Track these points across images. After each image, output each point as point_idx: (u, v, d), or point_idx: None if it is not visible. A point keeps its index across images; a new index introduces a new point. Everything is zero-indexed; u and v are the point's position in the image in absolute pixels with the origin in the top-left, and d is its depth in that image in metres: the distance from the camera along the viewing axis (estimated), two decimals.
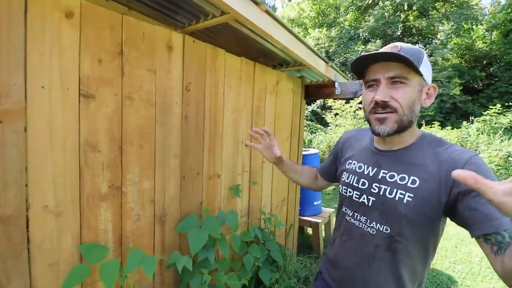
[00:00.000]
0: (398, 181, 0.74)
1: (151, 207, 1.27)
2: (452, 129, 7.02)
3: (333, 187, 6.09)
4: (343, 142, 1.03)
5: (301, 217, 3.17)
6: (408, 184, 0.72)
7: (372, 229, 0.79)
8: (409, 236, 0.73)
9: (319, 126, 8.29)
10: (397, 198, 0.73)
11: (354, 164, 0.89)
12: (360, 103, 6.93)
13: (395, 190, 0.74)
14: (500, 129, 6.16)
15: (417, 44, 9.97)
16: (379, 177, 0.79)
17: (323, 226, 3.38)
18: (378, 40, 8.98)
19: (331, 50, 9.65)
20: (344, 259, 0.87)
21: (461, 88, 8.60)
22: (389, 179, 0.76)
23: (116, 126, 1.12)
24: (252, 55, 2.04)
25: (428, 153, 0.73)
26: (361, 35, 9.72)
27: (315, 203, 3.27)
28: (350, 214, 0.86)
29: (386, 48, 0.75)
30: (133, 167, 1.19)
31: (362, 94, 0.82)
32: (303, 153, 3.23)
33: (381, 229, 0.77)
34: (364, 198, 0.82)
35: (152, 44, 1.24)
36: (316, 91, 2.55)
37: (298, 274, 2.53)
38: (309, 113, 8.75)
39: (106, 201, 1.11)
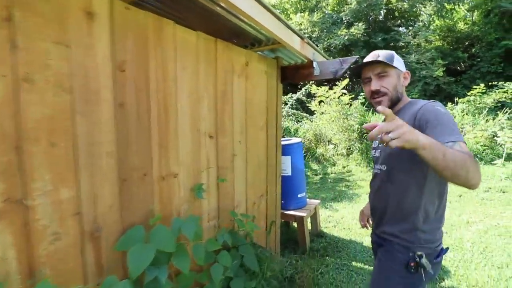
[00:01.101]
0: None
1: (75, 221, 0.99)
2: None
3: (320, 176, 5.93)
4: None
5: (285, 211, 2.96)
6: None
7: (379, 170, 1.18)
8: (400, 167, 1.08)
9: (304, 114, 8.08)
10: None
11: None
12: (344, 88, 6.78)
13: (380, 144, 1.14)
14: (485, 109, 6.13)
15: (400, 27, 9.85)
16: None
17: (309, 220, 3.19)
18: (360, 24, 8.75)
19: (314, 35, 9.34)
20: (371, 197, 1.29)
21: (444, 69, 8.55)
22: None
23: (8, 119, 0.83)
24: (225, 36, 1.75)
25: (408, 111, 1.05)
26: (344, 19, 9.47)
27: (299, 195, 3.05)
28: (374, 167, 1.24)
29: (371, 57, 1.15)
30: (41, 172, 0.90)
31: (364, 88, 1.19)
32: (285, 142, 2.99)
33: (382, 168, 1.15)
34: (376, 153, 1.22)
35: (62, 9, 0.94)
36: (293, 73, 2.28)
37: (282, 274, 2.33)
38: (294, 101, 8.51)
39: (0, 221, 0.82)
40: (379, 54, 1.12)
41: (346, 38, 8.51)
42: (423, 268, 0.98)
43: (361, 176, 5.65)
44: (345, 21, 9.51)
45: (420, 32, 8.98)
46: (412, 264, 1.00)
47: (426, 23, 10.10)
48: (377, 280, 1.14)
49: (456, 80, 9.38)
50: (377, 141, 1.22)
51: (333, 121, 6.64)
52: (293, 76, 2.28)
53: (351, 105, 6.94)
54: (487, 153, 5.12)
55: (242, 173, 1.92)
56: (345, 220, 3.64)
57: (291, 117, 8.11)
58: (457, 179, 0.78)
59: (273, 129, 2.28)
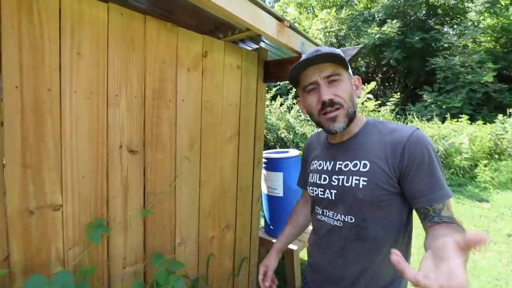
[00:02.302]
0: (352, 168, 0.77)
1: None
2: (484, 123, 5.86)
3: None
4: (307, 147, 1.03)
5: (273, 240, 2.42)
6: (361, 169, 0.74)
7: (339, 222, 0.80)
8: (373, 220, 0.74)
9: None
10: (353, 185, 0.75)
11: (315, 163, 0.90)
12: (370, 92, 5.97)
13: (350, 177, 0.76)
14: None
15: (444, 26, 8.66)
16: (336, 168, 0.81)
17: (304, 250, 2.61)
18: (395, 21, 7.78)
19: (341, 34, 8.53)
20: (320, 259, 0.87)
21: (495, 74, 7.29)
22: (344, 169, 0.79)
23: None
24: (186, 20, 1.30)
25: (373, 137, 0.77)
26: (376, 16, 8.53)
27: None
28: (320, 212, 0.87)
29: (310, 53, 0.77)
30: None
31: (304, 100, 0.83)
32: (277, 155, 2.45)
33: (346, 220, 0.78)
34: (328, 193, 0.83)
35: None
36: (277, 69, 1.75)
37: None
38: None
39: None
40: (320, 50, 0.76)
41: (377, 36, 7.59)
42: None
43: None
44: (378, 18, 8.58)
45: (467, 31, 7.78)
46: None
47: (474, 21, 8.79)
48: None
49: (509, 87, 8.00)
50: (322, 172, 0.84)
51: None
52: (278, 73, 1.75)
53: (378, 112, 6.12)
54: None
55: (191, 199, 1.44)
56: None
57: (309, 122, 7.44)
58: None
59: (248, 141, 1.77)
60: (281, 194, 2.43)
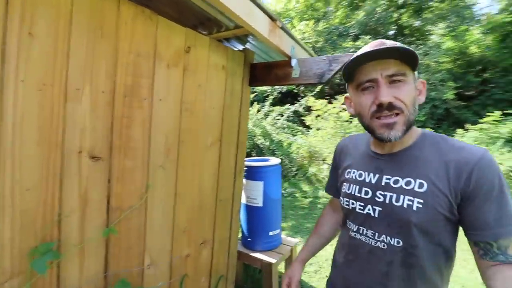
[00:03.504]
0: (404, 186, 0.67)
1: None
2: None
3: (310, 199, 5.24)
4: (339, 152, 0.92)
5: (250, 253, 2.27)
6: (416, 189, 0.65)
7: (382, 243, 0.70)
8: (424, 247, 0.65)
9: (300, 128, 7.43)
10: (405, 206, 0.65)
11: (354, 172, 0.79)
12: (344, 103, 6.14)
13: (401, 196, 0.66)
14: (499, 140, 5.46)
15: (411, 45, 9.31)
16: (383, 183, 0.71)
17: (280, 266, 2.50)
18: (368, 37, 8.21)
19: (318, 45, 8.77)
20: (357, 279, 0.75)
21: (455, 92, 7.94)
22: (393, 185, 0.69)
23: None
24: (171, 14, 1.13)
25: (432, 153, 0.67)
26: (350, 31, 8.93)
27: (271, 233, 2.36)
28: (355, 229, 0.76)
29: (375, 45, 0.65)
30: None
31: (355, 99, 0.72)
32: (258, 164, 2.32)
33: (392, 243, 0.68)
34: (369, 209, 0.72)
35: None
36: (264, 73, 1.64)
37: None
38: (291, 113, 7.93)
39: None
40: (387, 43, 0.64)
41: (351, 51, 7.92)
42: None
43: None
44: (352, 34, 8.98)
45: (430, 52, 8.43)
46: None
47: (437, 43, 9.56)
48: None
49: (466, 105, 8.76)
50: (363, 185, 0.75)
51: (329, 138, 5.98)
52: (264, 76, 1.64)
53: (351, 122, 6.30)
54: None
55: (164, 214, 1.25)
56: (330, 265, 2.92)
57: (286, 130, 7.46)
58: None
59: (231, 148, 1.63)
60: (260, 204, 2.30)
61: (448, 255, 0.68)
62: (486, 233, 0.59)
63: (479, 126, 6.03)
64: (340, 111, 5.94)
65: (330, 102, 6.15)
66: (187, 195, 1.36)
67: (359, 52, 0.66)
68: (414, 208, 0.64)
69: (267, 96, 8.72)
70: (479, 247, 0.61)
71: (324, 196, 5.45)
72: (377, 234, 0.70)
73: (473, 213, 0.60)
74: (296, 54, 1.52)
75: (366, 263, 0.72)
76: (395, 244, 0.67)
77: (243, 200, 2.39)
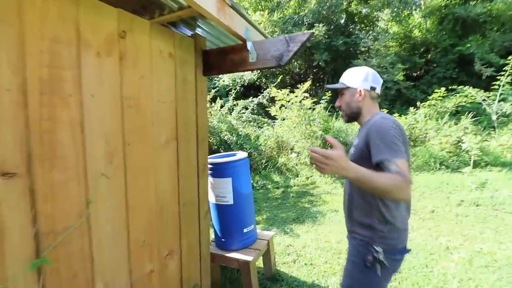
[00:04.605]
0: (354, 143, 1.20)
1: None
2: (400, 116, 6.73)
3: (282, 189, 5.25)
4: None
5: (225, 254, 2.15)
6: (354, 143, 1.18)
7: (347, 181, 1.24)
8: None
9: (266, 120, 7.38)
10: (352, 152, 1.18)
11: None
12: (306, 91, 6.24)
13: (351, 148, 1.21)
14: (446, 114, 5.97)
15: (362, 31, 9.76)
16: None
17: (260, 259, 2.42)
18: (321, 25, 8.40)
19: (274, 35, 8.75)
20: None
21: (404, 74, 8.52)
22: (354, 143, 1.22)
23: None
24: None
25: (365, 128, 1.12)
26: (304, 20, 9.07)
27: (245, 230, 2.25)
28: None
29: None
30: None
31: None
32: (224, 160, 2.18)
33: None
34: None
35: None
36: (219, 59, 1.50)
37: None
38: (255, 105, 7.83)
39: None
40: (343, 76, 1.24)
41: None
42: (380, 263, 1.04)
43: (326, 189, 5.05)
44: (306, 22, 9.12)
45: (379, 37, 8.91)
46: (369, 258, 1.06)
47: (384, 29, 10.14)
48: (344, 273, 1.20)
49: (414, 85, 9.47)
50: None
51: (295, 127, 6.02)
52: (220, 64, 1.49)
53: (313, 109, 6.41)
54: (453, 160, 4.85)
55: (115, 229, 1.07)
56: (308, 251, 2.93)
57: (252, 123, 7.36)
58: (387, 199, 1.04)
59: (190, 145, 1.47)
60: (231, 202, 2.18)
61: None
62: (373, 158, 1.00)
63: (427, 103, 6.54)
64: (303, 99, 6.00)
65: (292, 91, 6.17)
66: (142, 204, 1.18)
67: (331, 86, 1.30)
68: (352, 152, 1.18)
69: (230, 90, 8.54)
70: (380, 166, 0.98)
71: (295, 185, 5.51)
72: None
73: (371, 151, 1.02)
74: (251, 36, 1.40)
75: (345, 194, 1.26)
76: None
77: (212, 199, 2.24)
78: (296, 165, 6.16)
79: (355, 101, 1.17)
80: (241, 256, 2.11)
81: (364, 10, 10.81)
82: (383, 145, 0.97)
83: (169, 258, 1.35)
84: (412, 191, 4.34)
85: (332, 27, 9.43)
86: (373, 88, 1.17)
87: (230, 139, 6.26)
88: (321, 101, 6.76)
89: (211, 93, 7.49)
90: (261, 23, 8.39)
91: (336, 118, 7.33)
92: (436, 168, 4.98)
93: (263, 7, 10.14)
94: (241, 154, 2.35)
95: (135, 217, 1.15)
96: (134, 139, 1.14)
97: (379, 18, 10.17)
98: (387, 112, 7.83)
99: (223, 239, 2.24)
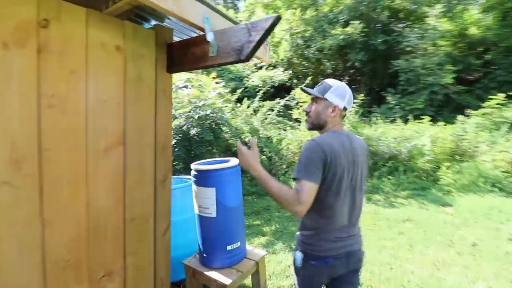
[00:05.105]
0: None
1: None
2: (445, 125, 5.86)
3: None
4: None
5: (205, 272, 1.93)
6: None
7: None
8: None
9: (290, 123, 7.03)
10: None
11: None
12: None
13: None
14: (504, 125, 5.00)
15: (406, 29, 8.81)
16: None
17: (247, 281, 2.16)
18: (357, 22, 7.71)
19: (306, 34, 8.30)
20: None
21: (455, 77, 7.46)
22: None
23: None
24: None
25: None
26: (340, 17, 8.45)
27: (229, 247, 2.00)
28: None
29: (316, 86, 1.24)
30: None
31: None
32: (207, 167, 1.97)
33: None
34: None
35: None
36: (181, 54, 1.29)
37: None
38: (281, 107, 7.56)
39: None
40: (321, 85, 1.20)
41: (341, 37, 7.44)
42: (298, 266, 1.17)
43: None
44: (342, 20, 8.49)
45: (426, 35, 7.92)
46: (296, 260, 1.19)
47: (434, 25, 9.03)
48: None
49: (467, 90, 8.26)
50: None
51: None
52: (181, 59, 1.28)
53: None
54: (509, 182, 4.00)
55: (23, 248, 0.92)
56: None
57: (276, 125, 7.07)
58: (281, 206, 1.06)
59: (144, 152, 1.28)
60: (214, 215, 1.96)
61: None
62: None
63: (481, 111, 5.58)
64: None
65: None
66: (66, 218, 1.02)
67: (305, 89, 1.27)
68: None
69: (259, 91, 8.34)
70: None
71: None
72: None
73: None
74: (217, 25, 1.17)
75: None
76: None
77: (196, 210, 2.05)
78: None
79: (326, 114, 1.16)
80: (219, 277, 1.88)
81: (410, 6, 9.78)
82: (298, 164, 1.07)
83: (107, 280, 1.17)
84: (453, 216, 3.69)
85: (371, 24, 8.66)
86: (345, 108, 1.18)
87: (251, 141, 6.06)
88: (353, 105, 6.21)
89: (236, 93, 7.37)
90: (292, 21, 8.06)
91: (370, 124, 6.69)
92: (486, 190, 4.16)
93: (297, 6, 9.76)
94: (232, 162, 2.11)
95: (54, 234, 0.99)
96: (56, 144, 0.98)
97: (428, 14, 9.07)
98: (431, 120, 6.93)
99: (204, 254, 2.03)
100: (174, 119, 4.53)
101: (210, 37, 1.12)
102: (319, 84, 1.22)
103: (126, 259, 1.24)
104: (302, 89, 1.26)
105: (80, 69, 1.03)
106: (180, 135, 4.66)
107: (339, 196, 1.08)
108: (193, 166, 2.02)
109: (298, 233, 1.23)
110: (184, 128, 4.62)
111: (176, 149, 4.73)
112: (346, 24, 8.27)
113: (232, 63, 1.11)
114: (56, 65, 0.97)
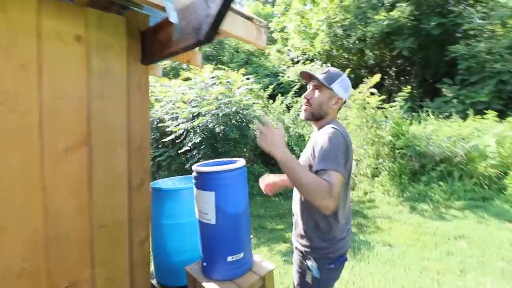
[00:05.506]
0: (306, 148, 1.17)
1: None
2: None
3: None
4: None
5: (204, 283, 1.78)
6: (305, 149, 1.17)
7: None
8: None
9: None
10: (300, 156, 1.19)
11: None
12: (374, 86, 5.11)
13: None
14: None
15: (466, 8, 7.52)
16: None
17: None
18: (404, 4, 6.75)
19: (345, 23, 7.60)
20: None
21: None
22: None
23: None
24: None
25: (320, 132, 1.05)
26: (385, 1, 7.54)
27: (230, 258, 1.82)
28: None
29: (319, 71, 1.17)
30: None
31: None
32: (206, 169, 1.80)
33: None
34: None
35: None
36: (151, 42, 1.13)
37: None
38: None
39: None
40: (326, 73, 1.11)
41: (385, 23, 6.58)
42: (317, 277, 1.08)
43: (386, 211, 4.00)
44: (387, 2, 7.57)
45: (493, 13, 6.62)
46: (304, 268, 1.12)
47: (503, 3, 7.56)
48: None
49: None
50: None
51: (354, 129, 5.06)
52: (151, 48, 1.13)
53: (383, 109, 5.26)
54: None
55: None
56: None
57: (309, 123, 6.68)
58: (308, 200, 0.93)
59: (114, 153, 1.17)
60: (213, 222, 1.78)
61: None
62: (314, 167, 0.96)
63: None
64: (368, 97, 4.98)
65: (355, 87, 5.19)
66: (19, 225, 0.95)
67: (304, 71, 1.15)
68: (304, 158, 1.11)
69: (293, 87, 7.98)
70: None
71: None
72: None
73: (314, 159, 0.98)
74: (178, 2, 0.98)
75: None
76: None
77: (196, 214, 1.91)
78: (355, 175, 5.20)
79: (328, 105, 1.10)
80: None
81: None
82: (324, 154, 0.95)
83: None
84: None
85: (423, 5, 7.57)
86: (345, 102, 1.15)
87: None
88: (397, 98, 5.49)
89: (268, 89, 7.14)
90: (329, 10, 7.47)
91: (419, 121, 5.87)
92: None
93: None
94: (237, 164, 1.91)
95: (6, 240, 0.92)
96: (5, 144, 0.90)
97: None
98: (498, 115, 5.78)
99: (204, 263, 1.87)
100: (200, 117, 4.51)
101: (173, 17, 0.94)
102: (324, 71, 1.13)
103: (95, 268, 1.14)
104: (305, 73, 1.12)
105: (31, 63, 0.94)
106: (206, 133, 4.63)
107: (348, 190, 1.08)
108: (194, 167, 1.88)
109: (303, 241, 1.13)
110: (210, 126, 4.58)
111: (202, 147, 4.72)
112: (391, 7, 7.38)
113: (194, 46, 0.91)
114: (1, 59, 0.89)
